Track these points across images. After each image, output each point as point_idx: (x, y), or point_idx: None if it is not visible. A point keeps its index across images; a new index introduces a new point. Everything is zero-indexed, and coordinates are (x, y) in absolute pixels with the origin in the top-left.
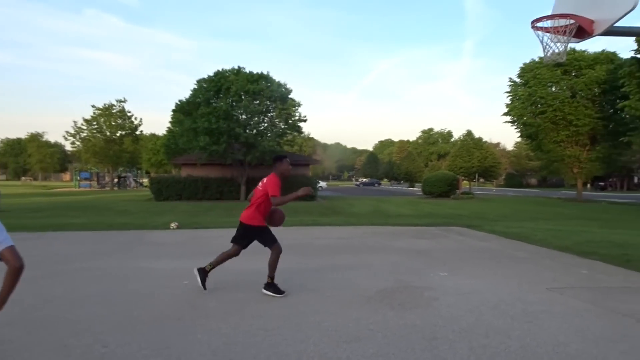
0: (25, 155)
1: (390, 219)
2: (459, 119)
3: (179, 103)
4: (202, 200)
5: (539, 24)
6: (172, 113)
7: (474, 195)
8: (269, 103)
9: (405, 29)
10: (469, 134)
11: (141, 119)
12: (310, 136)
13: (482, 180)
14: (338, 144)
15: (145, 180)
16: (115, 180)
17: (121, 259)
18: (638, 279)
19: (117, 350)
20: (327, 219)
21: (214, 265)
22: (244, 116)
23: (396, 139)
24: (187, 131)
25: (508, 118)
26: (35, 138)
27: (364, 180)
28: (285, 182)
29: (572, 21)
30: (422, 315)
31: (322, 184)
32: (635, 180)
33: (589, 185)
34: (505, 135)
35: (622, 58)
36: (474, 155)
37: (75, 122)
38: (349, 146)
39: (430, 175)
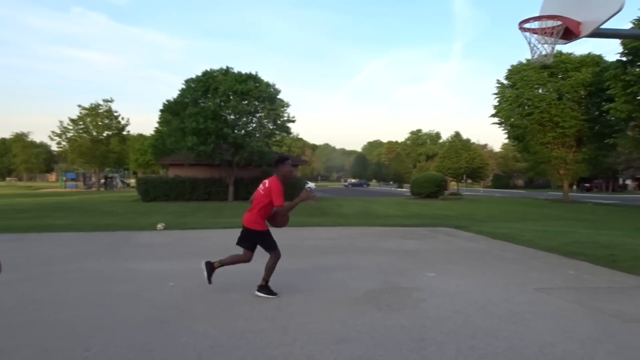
0: (10, 156)
1: (379, 219)
2: (447, 121)
3: (166, 103)
4: (190, 201)
5: (527, 25)
6: (160, 113)
7: (461, 196)
8: (257, 103)
9: (395, 30)
10: (457, 135)
11: (128, 119)
12: (299, 137)
13: (469, 181)
14: (327, 145)
15: (133, 181)
16: (102, 180)
17: (106, 260)
18: (623, 279)
19: (100, 353)
20: (316, 219)
21: (223, 264)
22: (232, 116)
23: (385, 140)
24: (175, 131)
25: (496, 119)
26: (20, 138)
27: (353, 181)
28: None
29: (559, 22)
30: (409, 316)
31: (311, 184)
32: (620, 181)
33: (575, 187)
34: (492, 136)
35: (607, 61)
36: (461, 157)
37: (61, 122)
38: (337, 147)
39: (418, 176)
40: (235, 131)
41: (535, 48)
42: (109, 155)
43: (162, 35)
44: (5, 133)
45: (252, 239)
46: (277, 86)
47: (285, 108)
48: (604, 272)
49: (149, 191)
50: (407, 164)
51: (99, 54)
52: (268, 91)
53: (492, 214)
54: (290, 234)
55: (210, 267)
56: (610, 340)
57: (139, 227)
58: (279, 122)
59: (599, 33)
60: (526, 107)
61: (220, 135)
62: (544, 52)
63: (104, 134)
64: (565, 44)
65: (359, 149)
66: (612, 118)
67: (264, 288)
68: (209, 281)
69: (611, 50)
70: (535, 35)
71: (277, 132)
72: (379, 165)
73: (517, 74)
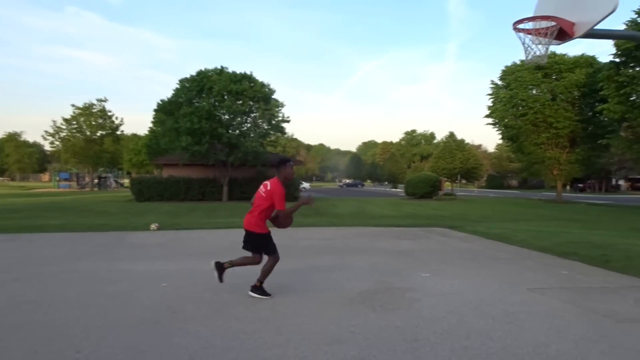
0: (3, 155)
1: (373, 220)
2: (441, 121)
3: (161, 103)
4: (184, 201)
5: (521, 26)
6: (154, 113)
7: (456, 197)
8: (252, 103)
9: (390, 31)
10: (452, 135)
11: (122, 118)
12: (294, 137)
13: (464, 181)
14: (322, 145)
15: (126, 181)
16: (96, 180)
17: (99, 260)
18: (616, 279)
19: (91, 355)
20: (310, 219)
21: (233, 264)
22: (226, 116)
23: (379, 141)
24: (169, 131)
25: (490, 120)
26: (13, 138)
27: (348, 181)
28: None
29: (553, 23)
30: (403, 316)
31: (305, 185)
32: (613, 182)
33: (568, 187)
34: (487, 137)
35: (601, 62)
36: (456, 157)
37: (54, 121)
38: (332, 147)
39: (412, 176)
40: (230, 131)
41: (529, 48)
42: (102, 155)
43: (157, 35)
44: None
45: (253, 242)
46: (271, 86)
47: (280, 108)
48: (597, 272)
49: (143, 191)
50: (402, 164)
51: (93, 53)
52: (263, 91)
53: (486, 214)
54: (285, 234)
55: (220, 267)
56: (603, 340)
57: (132, 227)
58: (273, 122)
59: (593, 34)
60: (520, 108)
61: (214, 135)
62: (538, 53)
63: (98, 134)
64: (559, 44)
65: (353, 149)
66: (606, 119)
67: (258, 289)
68: (221, 280)
69: (604, 52)
70: (530, 36)
71: (271, 132)
72: (374, 165)
73: (511, 74)
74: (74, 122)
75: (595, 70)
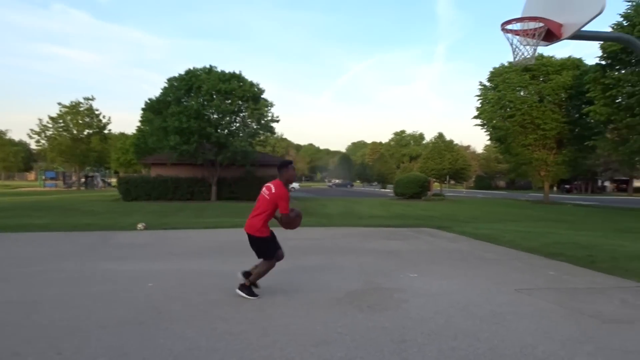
0: None
1: (362, 220)
2: (430, 122)
3: (149, 102)
4: (172, 201)
5: (509, 27)
6: (142, 112)
7: (444, 197)
8: (241, 103)
9: (379, 32)
10: (441, 136)
11: (110, 117)
12: (284, 137)
13: (452, 182)
14: (311, 145)
15: (114, 180)
16: (82, 179)
17: (84, 261)
18: (603, 280)
19: (72, 357)
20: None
21: (253, 277)
22: (215, 116)
23: (369, 141)
24: (157, 130)
25: (478, 121)
26: None
27: (337, 181)
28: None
29: (541, 24)
30: (391, 317)
31: (295, 185)
32: (599, 183)
33: (555, 188)
34: (475, 138)
35: (587, 64)
36: (445, 158)
37: (40, 119)
38: (322, 147)
39: (402, 177)
40: (219, 130)
41: (517, 49)
42: (89, 154)
43: (145, 34)
44: None
45: (254, 246)
46: (261, 86)
47: (269, 108)
48: (583, 272)
49: (130, 190)
50: (391, 164)
51: (80, 51)
52: (252, 90)
53: (475, 214)
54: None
55: (245, 275)
56: (590, 341)
57: (119, 227)
58: (262, 121)
59: (580, 35)
60: (508, 109)
61: (203, 135)
62: (526, 54)
63: (85, 133)
64: (547, 45)
65: (343, 149)
66: (592, 120)
67: (246, 288)
68: (253, 295)
69: (591, 54)
70: (518, 37)
71: (261, 131)
72: (363, 165)
73: (499, 76)
74: (61, 121)
75: (582, 73)
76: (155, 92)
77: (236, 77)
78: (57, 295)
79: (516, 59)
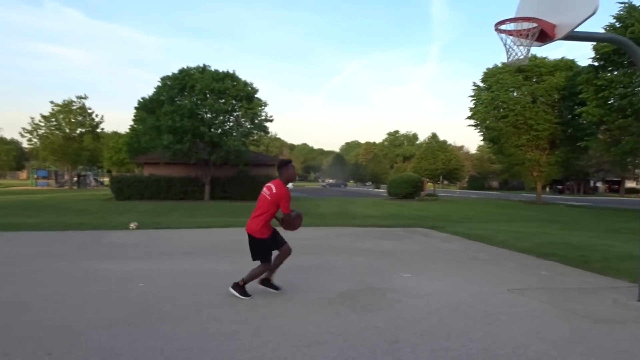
0: None
1: (356, 220)
2: (424, 122)
3: (142, 100)
4: (165, 200)
5: (503, 27)
6: (135, 111)
7: (438, 197)
8: (234, 102)
9: (373, 32)
10: (434, 136)
11: (102, 116)
12: (277, 136)
13: (446, 182)
14: (305, 145)
15: (106, 179)
16: (75, 179)
17: (75, 260)
18: (595, 280)
19: (62, 357)
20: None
21: (273, 270)
22: (208, 115)
23: (363, 141)
24: (150, 129)
25: (471, 122)
26: None
27: (331, 181)
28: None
29: (534, 24)
30: (384, 317)
31: (289, 185)
32: (591, 184)
33: (547, 189)
34: (468, 138)
35: (580, 66)
36: (438, 158)
37: (32, 118)
38: (315, 147)
39: (395, 177)
40: (212, 130)
41: (511, 50)
42: (82, 153)
43: (139, 32)
44: None
45: (253, 246)
46: (254, 85)
47: (263, 107)
48: (576, 272)
49: (123, 190)
50: (385, 164)
51: (73, 49)
52: (245, 90)
53: (468, 215)
54: None
55: (266, 283)
56: (582, 341)
57: (111, 226)
58: (256, 121)
59: (573, 36)
60: (501, 110)
61: (196, 134)
62: (519, 54)
63: (77, 131)
64: (541, 46)
65: (337, 149)
66: (584, 122)
67: (240, 287)
68: (276, 288)
69: (584, 56)
70: (511, 37)
71: (254, 131)
72: (357, 165)
73: (492, 76)
74: (53, 119)
75: (575, 74)
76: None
77: (230, 77)
78: (48, 295)
79: (510, 60)
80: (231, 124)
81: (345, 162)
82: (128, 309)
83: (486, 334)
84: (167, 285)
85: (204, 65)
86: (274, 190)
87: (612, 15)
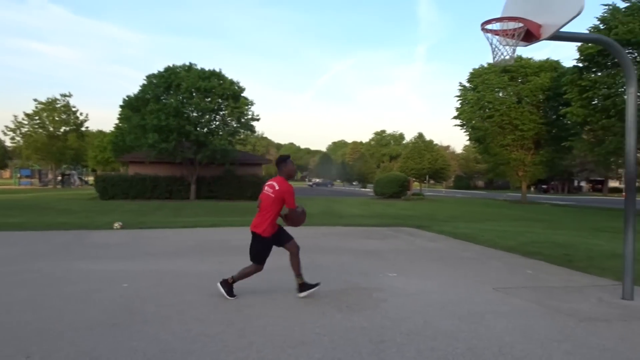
0: None
1: (342, 219)
2: (410, 122)
3: (127, 99)
4: (151, 200)
5: (489, 27)
6: (120, 109)
7: (424, 197)
8: (220, 101)
9: (360, 31)
10: (420, 136)
11: (87, 114)
12: (264, 135)
13: (432, 181)
14: (292, 144)
15: (91, 178)
16: (59, 177)
17: (57, 260)
18: (579, 279)
19: None
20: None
21: (299, 273)
22: (194, 114)
23: (349, 140)
24: (136, 128)
25: (458, 122)
26: None
27: (317, 180)
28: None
29: (520, 24)
30: (370, 317)
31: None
32: (576, 183)
33: (532, 188)
34: (454, 138)
35: (564, 66)
36: (424, 158)
37: (15, 116)
38: (302, 146)
39: (382, 176)
40: (198, 129)
41: (497, 49)
42: (66, 152)
43: (124, 30)
44: None
45: (255, 245)
46: (241, 84)
47: (249, 106)
48: (560, 271)
49: (108, 189)
50: (371, 164)
51: (57, 46)
52: (232, 89)
53: (454, 214)
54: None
55: (302, 286)
56: (567, 339)
57: (95, 226)
58: (243, 120)
59: (559, 36)
60: (487, 110)
61: (182, 133)
62: (505, 54)
63: (61, 130)
64: (526, 46)
65: (323, 148)
66: (569, 122)
67: (228, 285)
68: (315, 285)
69: (568, 57)
70: (497, 37)
71: (241, 130)
72: (344, 165)
73: (478, 77)
74: (37, 118)
75: (560, 75)
76: (134, 89)
77: (216, 75)
78: (29, 296)
79: (496, 59)
80: (217, 123)
81: (332, 162)
82: (111, 309)
83: (472, 333)
84: (151, 285)
85: (190, 63)
86: (277, 187)
87: (597, 17)
